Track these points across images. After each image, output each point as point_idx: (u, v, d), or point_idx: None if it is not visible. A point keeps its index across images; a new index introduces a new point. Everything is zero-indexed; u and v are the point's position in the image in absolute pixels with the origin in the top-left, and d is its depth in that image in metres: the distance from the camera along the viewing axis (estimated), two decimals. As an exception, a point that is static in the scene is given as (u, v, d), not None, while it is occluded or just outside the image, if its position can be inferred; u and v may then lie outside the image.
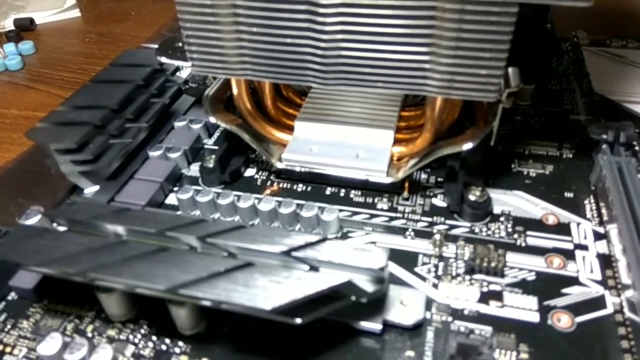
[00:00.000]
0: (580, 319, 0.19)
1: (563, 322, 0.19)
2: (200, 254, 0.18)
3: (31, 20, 0.48)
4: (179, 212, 0.24)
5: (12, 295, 0.21)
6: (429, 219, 0.23)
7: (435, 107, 0.23)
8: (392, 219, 0.24)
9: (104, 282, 0.17)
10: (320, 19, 0.20)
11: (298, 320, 0.16)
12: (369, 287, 0.17)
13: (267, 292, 0.16)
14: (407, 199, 0.25)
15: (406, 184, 0.25)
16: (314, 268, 0.17)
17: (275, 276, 0.16)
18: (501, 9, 0.18)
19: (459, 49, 0.19)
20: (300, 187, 0.26)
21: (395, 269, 0.21)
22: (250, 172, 0.27)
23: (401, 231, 0.23)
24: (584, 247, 0.22)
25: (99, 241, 0.18)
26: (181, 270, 0.17)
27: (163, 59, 0.27)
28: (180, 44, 0.27)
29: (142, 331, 0.19)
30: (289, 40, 0.21)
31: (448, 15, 0.18)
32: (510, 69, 0.22)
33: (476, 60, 0.19)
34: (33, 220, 0.22)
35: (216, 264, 0.17)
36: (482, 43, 0.19)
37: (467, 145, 0.22)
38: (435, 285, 0.20)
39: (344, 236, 0.23)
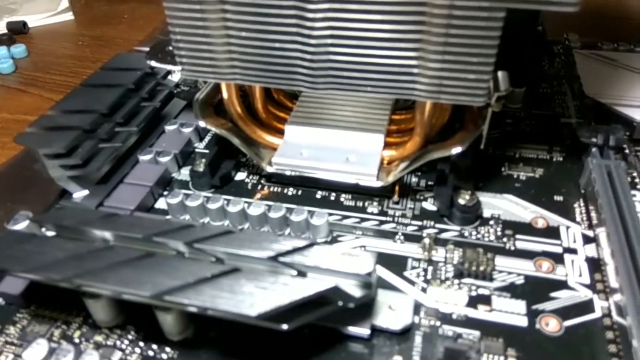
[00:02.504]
0: (569, 323, 0.19)
1: (551, 326, 0.19)
2: (187, 259, 0.18)
3: (24, 24, 0.48)
4: (168, 217, 0.24)
5: None
6: (419, 223, 0.23)
7: (425, 111, 0.23)
8: (382, 222, 0.24)
9: (89, 288, 0.17)
10: (309, 24, 0.20)
11: (284, 326, 0.16)
12: (356, 292, 0.17)
13: (253, 298, 0.16)
14: (397, 203, 0.25)
15: (396, 188, 0.25)
16: (301, 273, 0.17)
17: (262, 282, 0.16)
18: (488, 14, 0.18)
19: (447, 54, 0.19)
20: (290, 191, 0.26)
21: (384, 273, 0.21)
22: (240, 176, 0.27)
23: (391, 235, 0.23)
24: (573, 251, 0.22)
25: (85, 247, 0.18)
26: (167, 276, 0.17)
27: (153, 63, 0.27)
28: (170, 48, 0.27)
29: (130, 337, 0.19)
30: (277, 45, 0.21)
31: (436, 20, 0.18)
32: (499, 73, 0.22)
33: (464, 65, 0.19)
34: (21, 225, 0.22)
35: (203, 269, 0.17)
36: (470, 48, 0.19)
37: (456, 150, 0.22)
38: (424, 290, 0.20)
39: (334, 240, 0.23)
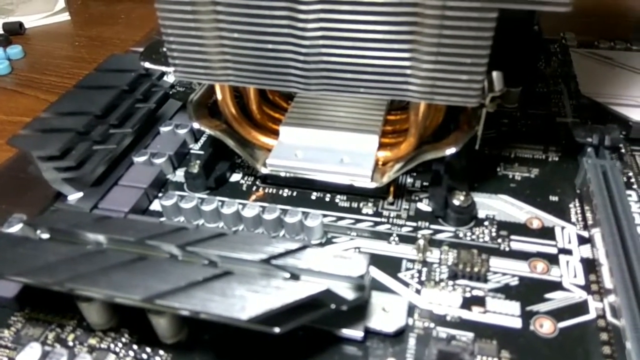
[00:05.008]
0: (563, 324, 0.19)
1: (545, 327, 0.19)
2: (179, 262, 0.18)
3: (20, 24, 0.48)
4: (162, 219, 0.24)
5: (-6, 304, 0.21)
6: (414, 224, 0.23)
7: (419, 111, 0.22)
8: (376, 223, 0.24)
9: (81, 292, 0.17)
10: (301, 25, 0.20)
11: (276, 330, 0.16)
12: (349, 294, 0.17)
13: (245, 301, 0.16)
14: (392, 204, 0.25)
15: (391, 189, 0.25)
16: (294, 276, 0.17)
17: (254, 285, 0.16)
18: (481, 15, 0.18)
19: (440, 55, 0.19)
20: (285, 193, 0.26)
21: (378, 274, 0.21)
22: (235, 177, 0.27)
23: (385, 236, 0.23)
24: (568, 252, 0.22)
25: (78, 250, 0.18)
26: (159, 280, 0.17)
27: (147, 64, 0.27)
28: (164, 49, 0.27)
29: (123, 340, 0.19)
30: (270, 46, 0.21)
31: (428, 20, 0.18)
32: (494, 73, 0.22)
33: (457, 65, 0.19)
34: (15, 228, 0.22)
35: (195, 273, 0.17)
36: (463, 49, 0.19)
37: (451, 150, 0.22)
38: (418, 291, 0.20)
39: (329, 242, 0.23)
